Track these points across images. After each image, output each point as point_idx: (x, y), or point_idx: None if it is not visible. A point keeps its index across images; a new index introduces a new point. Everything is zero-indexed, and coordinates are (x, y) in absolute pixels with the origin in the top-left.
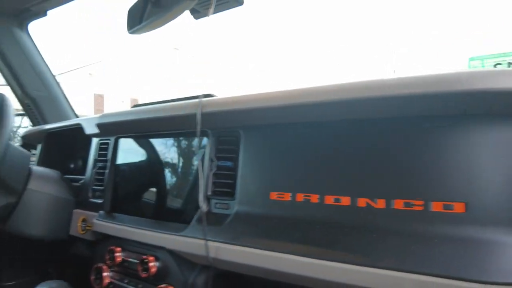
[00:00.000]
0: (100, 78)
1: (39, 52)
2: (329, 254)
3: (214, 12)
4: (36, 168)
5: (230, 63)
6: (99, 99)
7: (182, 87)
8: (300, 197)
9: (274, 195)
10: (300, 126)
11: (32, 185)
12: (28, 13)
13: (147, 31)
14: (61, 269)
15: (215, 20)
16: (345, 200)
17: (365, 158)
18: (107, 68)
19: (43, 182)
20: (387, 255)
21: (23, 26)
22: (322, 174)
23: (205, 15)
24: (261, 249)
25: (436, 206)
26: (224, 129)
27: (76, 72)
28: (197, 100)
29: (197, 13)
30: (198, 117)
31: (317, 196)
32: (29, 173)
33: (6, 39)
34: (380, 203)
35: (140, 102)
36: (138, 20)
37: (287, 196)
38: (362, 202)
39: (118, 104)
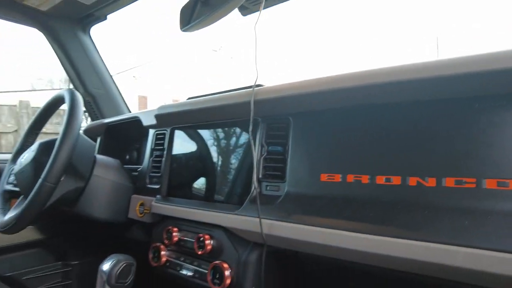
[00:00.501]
0: (144, 80)
1: (99, 53)
2: (380, 230)
3: (265, 7)
4: (100, 157)
5: (271, 59)
6: (143, 100)
7: (222, 87)
8: (351, 178)
9: (324, 177)
10: (349, 110)
11: (97, 171)
12: (90, 18)
13: (199, 28)
14: (120, 251)
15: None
16: (396, 180)
17: (415, 138)
18: (150, 71)
19: (106, 169)
20: (439, 230)
21: (86, 30)
22: (372, 155)
23: (254, 11)
24: (312, 225)
25: (490, 184)
26: (274, 116)
27: (122, 74)
28: (250, 89)
29: (246, 10)
30: (252, 104)
31: (368, 176)
32: (94, 161)
33: (72, 42)
34: (431, 182)
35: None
36: (190, 18)
37: (337, 178)
38: (413, 181)
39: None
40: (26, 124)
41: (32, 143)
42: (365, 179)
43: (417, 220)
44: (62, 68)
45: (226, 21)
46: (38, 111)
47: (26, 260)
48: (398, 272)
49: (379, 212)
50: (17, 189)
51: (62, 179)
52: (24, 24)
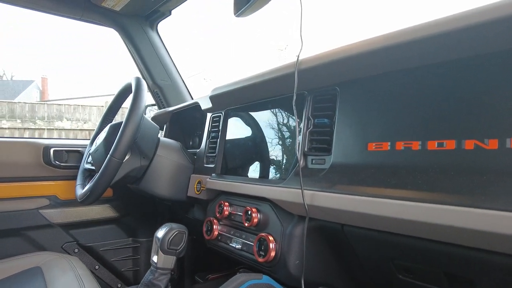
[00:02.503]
0: (214, 82)
1: (165, 47)
2: (429, 197)
3: None
4: (163, 139)
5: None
6: None
7: None
8: (400, 145)
9: (372, 146)
10: (398, 74)
11: (160, 152)
12: (156, 14)
13: (252, 12)
14: None
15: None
16: (450, 144)
17: (472, 99)
18: (218, 73)
19: (168, 150)
20: (500, 196)
21: (153, 26)
22: (423, 120)
23: None
24: (356, 195)
25: None
26: (321, 88)
27: (193, 78)
28: (294, 60)
29: None
30: (296, 73)
31: (419, 142)
32: (158, 142)
33: (141, 39)
34: (492, 144)
35: None
36: (243, 3)
37: (386, 146)
38: (469, 144)
39: None
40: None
41: None
42: (415, 145)
43: (473, 186)
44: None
45: (291, 20)
46: (111, 100)
47: (103, 234)
48: (446, 246)
49: (429, 179)
50: (93, 167)
51: (128, 157)
52: (101, 25)
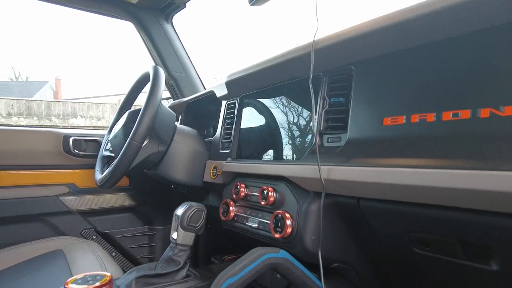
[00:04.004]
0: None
1: (180, 39)
2: (445, 163)
3: None
4: (180, 126)
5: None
6: None
7: None
8: (415, 118)
9: (387, 121)
10: (410, 51)
11: (177, 138)
12: (172, 6)
13: (266, 1)
14: None
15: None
16: (465, 114)
17: (486, 68)
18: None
19: (185, 137)
20: None
21: (168, 18)
22: (437, 93)
23: None
24: (372, 166)
25: None
26: (336, 68)
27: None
28: (310, 41)
29: None
30: (312, 54)
31: (434, 114)
32: (175, 128)
33: (156, 30)
34: (508, 110)
35: None
36: None
37: (401, 120)
38: (485, 112)
39: None
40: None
41: None
42: (430, 117)
43: (489, 151)
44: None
45: (310, 16)
46: (129, 89)
47: (120, 222)
48: (462, 213)
49: (445, 147)
50: (112, 154)
51: (146, 142)
52: (118, 18)
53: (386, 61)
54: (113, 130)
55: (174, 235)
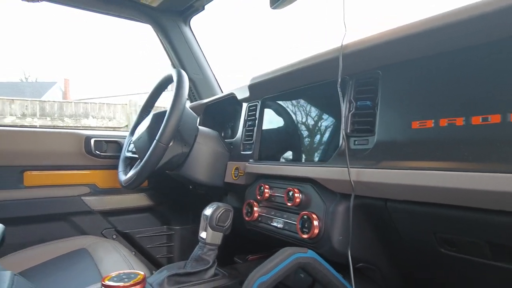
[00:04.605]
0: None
1: (197, 42)
2: (476, 166)
3: None
4: (202, 128)
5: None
6: None
7: None
8: (444, 122)
9: (415, 124)
10: (440, 55)
11: (200, 139)
12: (190, 9)
13: (287, 5)
14: None
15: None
16: (495, 118)
17: None
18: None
19: (207, 138)
20: None
21: (187, 21)
22: (466, 98)
23: None
24: (402, 169)
25: None
26: (363, 72)
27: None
28: (338, 45)
29: None
30: (340, 58)
31: (462, 118)
32: (197, 130)
33: (174, 33)
34: None
35: None
36: None
37: (430, 123)
38: None
39: None
40: (135, 120)
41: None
42: (459, 121)
43: None
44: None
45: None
46: (150, 90)
47: (139, 222)
48: (491, 215)
49: (475, 150)
50: (135, 155)
51: (171, 143)
52: (138, 21)
53: (414, 65)
54: (136, 132)
55: (203, 235)
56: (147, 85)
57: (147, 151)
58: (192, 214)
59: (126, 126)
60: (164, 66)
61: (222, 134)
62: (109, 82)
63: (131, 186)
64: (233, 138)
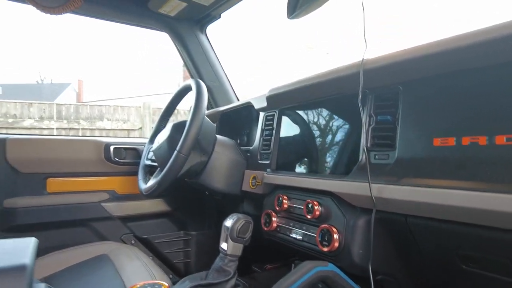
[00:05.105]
0: (243, 86)
1: (214, 50)
2: (500, 187)
3: None
4: (219, 137)
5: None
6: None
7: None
8: (466, 140)
9: (437, 141)
10: (462, 73)
11: (217, 148)
12: (207, 18)
13: (306, 14)
14: None
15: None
16: None
17: None
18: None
19: (224, 147)
20: None
21: (203, 30)
22: (490, 116)
23: None
24: (424, 187)
25: None
26: (383, 86)
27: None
28: (358, 61)
29: None
30: (361, 74)
31: (486, 137)
32: (215, 139)
33: (191, 41)
34: None
35: None
36: (296, 6)
37: (452, 141)
38: None
39: None
40: (148, 122)
41: (164, 126)
42: (482, 140)
43: None
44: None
45: (320, 16)
46: (169, 99)
47: (157, 227)
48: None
49: (499, 170)
50: (154, 164)
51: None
52: (156, 29)
53: (435, 81)
54: (156, 141)
55: (224, 246)
56: (160, 87)
57: (167, 161)
58: (208, 219)
59: (140, 128)
60: (176, 66)
61: (238, 141)
62: (122, 83)
63: (152, 195)
64: (249, 145)
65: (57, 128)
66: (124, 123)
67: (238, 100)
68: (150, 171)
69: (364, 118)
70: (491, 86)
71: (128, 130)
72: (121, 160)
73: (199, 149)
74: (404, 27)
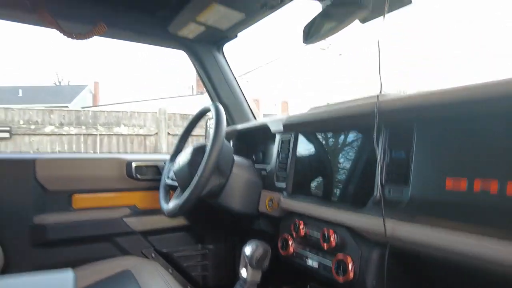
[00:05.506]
0: (255, 84)
1: (230, 68)
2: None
3: (388, 11)
4: (237, 158)
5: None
6: (255, 103)
7: (331, 87)
8: (477, 186)
9: (449, 184)
10: (477, 117)
11: (235, 170)
12: (224, 39)
13: (320, 40)
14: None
15: None
16: None
17: None
18: (260, 75)
19: (242, 168)
20: None
21: (220, 49)
22: (504, 160)
23: (373, 18)
24: (437, 227)
25: None
26: (397, 123)
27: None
28: (373, 99)
29: (365, 20)
30: (376, 114)
31: (497, 183)
32: (233, 161)
33: (209, 61)
34: None
35: (290, 105)
36: (312, 33)
37: (463, 185)
38: None
39: (271, 108)
40: (164, 127)
41: (184, 146)
42: (494, 188)
43: None
44: (183, 80)
45: None
46: (189, 120)
47: (175, 241)
48: None
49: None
50: (175, 183)
51: None
52: (175, 49)
53: (449, 121)
54: (176, 162)
55: (243, 273)
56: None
57: (188, 183)
58: (224, 232)
59: (156, 133)
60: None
61: (254, 158)
62: (137, 84)
63: (174, 216)
64: (264, 163)
65: (76, 134)
66: (140, 128)
67: (255, 118)
68: (170, 189)
69: (379, 153)
70: (504, 132)
71: (144, 135)
72: (142, 177)
73: (217, 172)
74: (404, 27)
